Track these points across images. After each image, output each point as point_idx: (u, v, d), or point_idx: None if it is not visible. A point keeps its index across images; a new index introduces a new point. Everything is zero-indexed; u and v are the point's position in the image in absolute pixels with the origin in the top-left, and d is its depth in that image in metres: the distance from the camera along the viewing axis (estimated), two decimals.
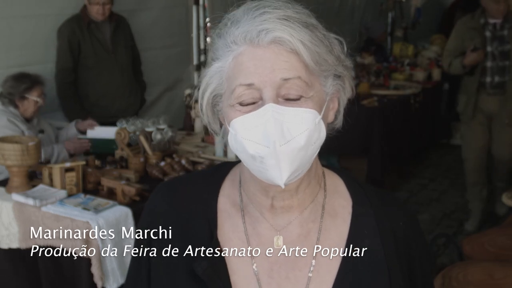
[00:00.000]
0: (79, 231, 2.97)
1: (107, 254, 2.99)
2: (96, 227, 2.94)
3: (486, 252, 2.99)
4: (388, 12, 8.83)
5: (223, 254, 1.14)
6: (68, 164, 3.26)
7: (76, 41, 4.43)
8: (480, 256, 2.96)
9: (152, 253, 1.19)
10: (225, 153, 3.86)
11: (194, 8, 5.64)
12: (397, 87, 6.43)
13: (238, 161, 1.22)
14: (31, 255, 3.20)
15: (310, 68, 1.05)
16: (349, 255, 1.14)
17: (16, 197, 3.17)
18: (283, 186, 1.04)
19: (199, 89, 1.13)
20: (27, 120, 3.88)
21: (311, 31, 1.05)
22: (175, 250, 1.16)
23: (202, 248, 1.13)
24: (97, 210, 3.03)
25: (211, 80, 1.10)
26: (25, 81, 3.83)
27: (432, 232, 4.86)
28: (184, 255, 1.14)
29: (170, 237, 1.17)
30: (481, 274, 2.69)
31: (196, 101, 1.16)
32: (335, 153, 5.62)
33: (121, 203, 3.14)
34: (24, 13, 4.28)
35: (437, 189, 6.07)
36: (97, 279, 2.95)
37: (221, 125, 1.15)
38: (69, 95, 4.47)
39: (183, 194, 1.21)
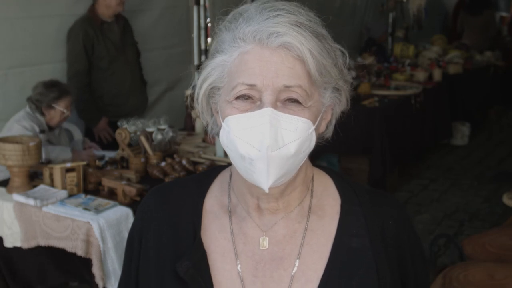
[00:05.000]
0: (79, 231, 2.97)
1: (108, 255, 3.00)
2: (96, 227, 2.94)
3: (487, 252, 2.99)
4: (389, 12, 8.83)
5: (208, 254, 1.15)
6: (69, 165, 3.26)
7: (90, 42, 4.46)
8: (481, 257, 2.96)
9: (142, 254, 1.21)
10: (226, 153, 3.86)
11: (195, 8, 5.64)
12: (398, 88, 6.43)
13: (228, 165, 1.24)
14: (33, 254, 3.21)
15: (313, 78, 1.06)
16: (336, 254, 1.14)
17: (17, 197, 3.17)
18: (267, 191, 1.06)
19: (198, 78, 1.13)
20: (50, 129, 3.90)
21: (320, 41, 1.06)
22: (163, 251, 1.18)
23: (185, 249, 1.15)
24: (97, 210, 3.03)
25: (212, 72, 1.10)
26: (54, 90, 3.83)
27: (433, 232, 4.86)
28: (170, 256, 1.16)
29: (159, 239, 1.19)
30: (482, 274, 2.68)
31: (193, 99, 1.17)
32: (335, 153, 5.62)
33: (121, 203, 3.14)
34: (26, 14, 4.28)
35: (437, 189, 6.07)
36: (98, 280, 2.95)
37: (212, 116, 1.16)
38: (85, 99, 4.51)
39: (173, 197, 1.23)
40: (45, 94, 3.81)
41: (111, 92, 4.65)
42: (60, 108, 3.84)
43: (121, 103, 4.70)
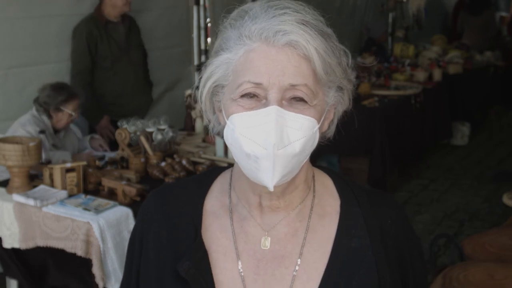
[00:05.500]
0: (79, 231, 2.97)
1: (108, 255, 2.99)
2: (96, 227, 2.94)
3: (487, 252, 2.99)
4: (389, 12, 8.83)
5: (209, 254, 1.15)
6: (68, 165, 3.26)
7: (94, 42, 4.48)
8: (481, 257, 2.96)
9: (143, 256, 1.21)
10: (226, 153, 3.86)
11: (194, 8, 5.64)
12: (398, 88, 6.43)
13: (229, 166, 1.25)
14: (33, 254, 3.21)
15: (318, 77, 1.06)
16: (337, 253, 1.14)
17: (17, 197, 3.17)
18: (272, 189, 1.06)
19: (201, 76, 1.13)
20: (55, 131, 3.90)
21: (325, 40, 1.06)
22: (163, 253, 1.18)
23: (186, 249, 1.15)
24: (97, 210, 3.03)
25: (217, 70, 1.10)
26: (62, 93, 3.84)
27: (433, 232, 4.86)
28: (171, 257, 1.16)
29: (159, 241, 1.19)
30: (482, 274, 2.68)
31: (196, 101, 1.17)
32: (335, 153, 5.62)
33: (121, 204, 3.14)
34: (26, 13, 4.28)
35: (437, 189, 6.07)
36: (98, 280, 2.95)
37: (214, 114, 1.16)
38: (88, 97, 4.50)
39: (173, 198, 1.23)
40: (53, 97, 3.81)
41: (113, 92, 4.65)
42: (68, 110, 3.86)
43: (124, 103, 4.71)
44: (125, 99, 4.73)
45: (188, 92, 4.75)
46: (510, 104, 9.01)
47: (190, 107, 4.64)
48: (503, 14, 11.16)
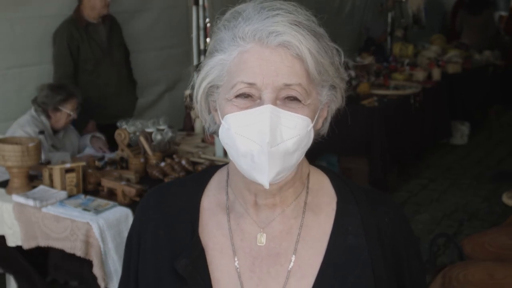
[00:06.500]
0: (79, 232, 2.97)
1: (109, 255, 3.00)
2: (96, 227, 2.95)
3: (486, 252, 2.99)
4: (388, 12, 8.84)
5: (206, 251, 1.16)
6: (68, 165, 3.26)
7: (75, 44, 4.40)
8: (480, 256, 2.96)
9: (141, 255, 1.22)
10: (225, 153, 3.86)
11: (194, 8, 5.64)
12: (397, 87, 6.43)
13: (226, 164, 1.25)
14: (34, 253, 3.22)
15: (311, 76, 1.07)
16: (332, 251, 1.15)
17: (17, 198, 3.17)
18: (267, 187, 1.07)
19: (197, 77, 1.14)
20: (54, 132, 3.89)
21: (318, 40, 1.07)
22: (161, 251, 1.19)
23: (184, 247, 1.16)
24: (97, 210, 3.03)
25: (211, 71, 1.11)
26: (60, 93, 3.84)
27: (432, 232, 4.86)
28: (168, 256, 1.17)
29: (156, 239, 1.20)
30: (481, 274, 2.69)
31: (192, 99, 1.18)
32: (335, 153, 5.62)
33: (121, 204, 3.15)
34: (25, 14, 4.28)
35: (437, 189, 6.07)
36: (100, 280, 2.95)
37: (209, 114, 1.17)
38: None
39: (171, 196, 1.25)
40: (51, 97, 3.81)
41: (96, 95, 4.53)
42: (67, 110, 3.86)
43: (108, 105, 4.60)
44: (109, 101, 4.60)
45: (188, 92, 4.74)
46: (509, 104, 9.01)
47: (189, 107, 4.64)
48: (502, 13, 11.16)
